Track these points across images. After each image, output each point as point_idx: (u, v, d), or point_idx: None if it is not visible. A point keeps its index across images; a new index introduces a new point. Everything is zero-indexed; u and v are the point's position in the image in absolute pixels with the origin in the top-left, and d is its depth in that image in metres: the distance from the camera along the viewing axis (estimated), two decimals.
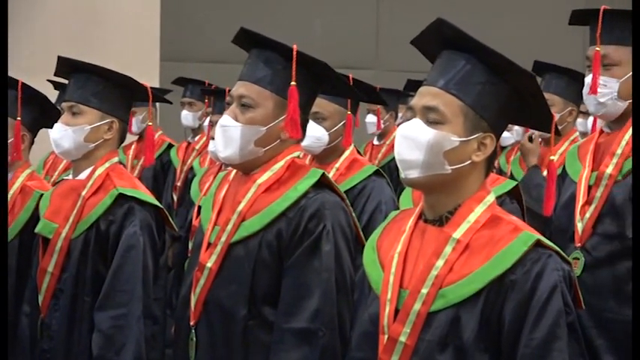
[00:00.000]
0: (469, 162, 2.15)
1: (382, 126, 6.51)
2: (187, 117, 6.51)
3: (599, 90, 3.15)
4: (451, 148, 2.13)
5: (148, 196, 3.20)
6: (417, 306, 2.13)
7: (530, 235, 2.13)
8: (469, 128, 2.14)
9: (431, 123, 2.14)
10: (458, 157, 2.14)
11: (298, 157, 2.77)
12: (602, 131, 3.32)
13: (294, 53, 2.66)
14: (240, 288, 2.64)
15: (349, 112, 3.73)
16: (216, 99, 5.09)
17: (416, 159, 2.13)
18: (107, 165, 3.21)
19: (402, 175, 2.18)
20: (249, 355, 2.64)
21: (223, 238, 2.68)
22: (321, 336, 2.56)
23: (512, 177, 4.70)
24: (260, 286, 2.64)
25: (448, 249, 2.13)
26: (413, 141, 2.14)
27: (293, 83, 2.64)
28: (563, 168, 3.42)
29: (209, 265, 2.68)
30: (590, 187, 3.22)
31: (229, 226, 2.68)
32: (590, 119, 6.53)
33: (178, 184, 6.22)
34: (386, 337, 2.16)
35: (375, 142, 6.66)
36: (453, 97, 2.15)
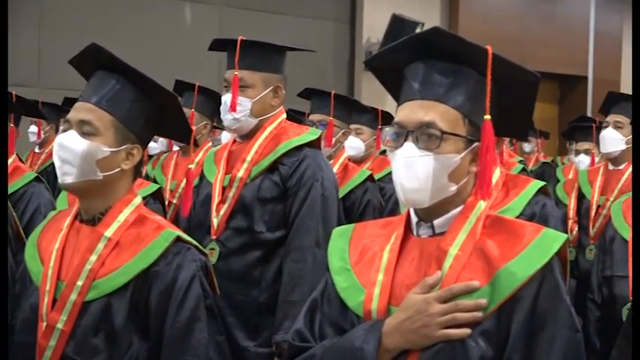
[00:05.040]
0: (119, 169, 2.25)
1: (42, 136, 6.58)
2: None
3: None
4: (102, 157, 2.21)
5: None
6: (73, 296, 2.19)
7: (172, 232, 2.24)
8: (119, 140, 2.24)
9: (85, 135, 2.21)
10: (109, 165, 2.23)
11: None
12: (234, 140, 3.52)
13: None
14: None
15: (12, 125, 3.85)
16: None
17: (71, 166, 2.20)
18: None
19: (60, 180, 2.23)
20: None
21: None
22: None
23: (154, 181, 4.92)
24: None
25: (100, 246, 2.21)
26: (68, 150, 2.20)
27: None
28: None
29: None
30: (224, 188, 3.40)
31: None
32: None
33: None
34: (45, 324, 2.19)
35: (36, 150, 6.72)
36: (105, 113, 2.23)
